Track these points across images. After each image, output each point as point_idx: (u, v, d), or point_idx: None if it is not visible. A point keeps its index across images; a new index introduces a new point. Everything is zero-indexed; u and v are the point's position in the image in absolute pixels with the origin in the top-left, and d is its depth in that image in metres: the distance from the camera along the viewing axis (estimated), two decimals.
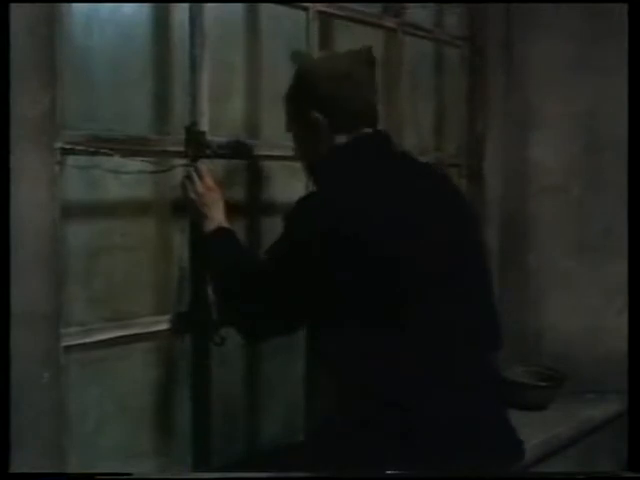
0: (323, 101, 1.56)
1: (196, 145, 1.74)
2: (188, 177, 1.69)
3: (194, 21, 1.74)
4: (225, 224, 1.66)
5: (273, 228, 2.00)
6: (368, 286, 1.41)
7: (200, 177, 1.68)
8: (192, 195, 1.67)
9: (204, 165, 1.72)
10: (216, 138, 1.78)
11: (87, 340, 1.61)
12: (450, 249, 1.51)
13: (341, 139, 1.56)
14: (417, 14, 2.46)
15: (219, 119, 1.84)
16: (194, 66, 1.74)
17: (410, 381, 1.41)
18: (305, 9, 2.00)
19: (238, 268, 1.59)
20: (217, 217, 1.66)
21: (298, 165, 1.91)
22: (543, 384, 2.49)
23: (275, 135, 1.99)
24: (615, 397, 2.47)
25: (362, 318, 1.42)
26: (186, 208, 1.71)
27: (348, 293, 1.42)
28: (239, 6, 1.96)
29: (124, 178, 1.66)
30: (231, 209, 1.75)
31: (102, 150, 1.57)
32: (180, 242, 1.79)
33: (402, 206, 1.48)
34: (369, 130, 1.59)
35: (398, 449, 1.40)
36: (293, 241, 1.48)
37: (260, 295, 1.51)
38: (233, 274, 1.58)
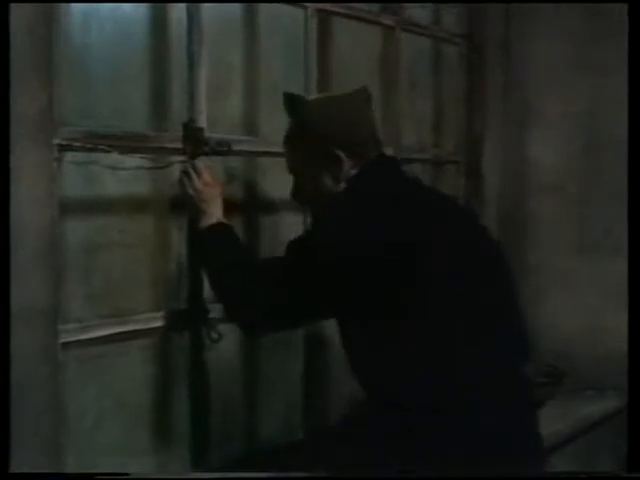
0: (342, 139, 1.59)
1: (194, 142, 1.74)
2: (186, 173, 1.70)
3: (192, 18, 1.76)
4: (223, 220, 1.68)
5: (270, 225, 2.03)
6: (394, 310, 1.44)
7: (198, 173, 1.69)
8: (190, 191, 1.68)
9: (202, 162, 1.73)
10: (214, 135, 1.78)
11: (85, 337, 1.62)
12: (476, 265, 1.54)
13: (353, 171, 1.60)
14: (415, 12, 2.47)
15: (217, 116, 1.85)
16: (192, 63, 1.76)
17: (443, 387, 1.43)
18: (304, 7, 2.01)
19: (236, 263, 1.60)
20: (215, 213, 1.67)
21: None
22: (542, 380, 2.50)
23: (273, 132, 2.01)
24: (614, 394, 2.49)
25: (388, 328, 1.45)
26: (184, 204, 1.72)
27: (375, 317, 1.45)
28: (237, 4, 1.97)
29: (122, 175, 1.67)
30: (229, 206, 1.76)
31: (100, 146, 1.58)
32: (178, 239, 1.81)
33: (428, 229, 1.52)
34: (377, 155, 1.63)
35: (429, 455, 1.42)
36: (318, 263, 1.49)
37: (260, 291, 1.53)
38: (231, 269, 1.60)
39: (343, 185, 1.59)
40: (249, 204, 2.03)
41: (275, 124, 2.02)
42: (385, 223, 1.48)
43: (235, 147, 1.83)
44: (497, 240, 1.66)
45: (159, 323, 1.76)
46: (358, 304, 1.47)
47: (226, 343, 1.87)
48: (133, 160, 1.67)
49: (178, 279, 1.81)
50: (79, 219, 1.64)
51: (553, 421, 2.31)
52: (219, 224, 1.66)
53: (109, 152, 1.60)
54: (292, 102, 1.66)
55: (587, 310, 2.65)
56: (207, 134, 1.77)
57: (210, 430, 1.87)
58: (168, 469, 1.85)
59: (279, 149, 1.91)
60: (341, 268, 1.46)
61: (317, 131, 1.60)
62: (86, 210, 1.66)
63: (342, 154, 1.58)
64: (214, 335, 1.79)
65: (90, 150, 1.57)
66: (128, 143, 1.65)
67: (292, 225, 2.07)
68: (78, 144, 1.54)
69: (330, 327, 2.14)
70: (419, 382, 1.43)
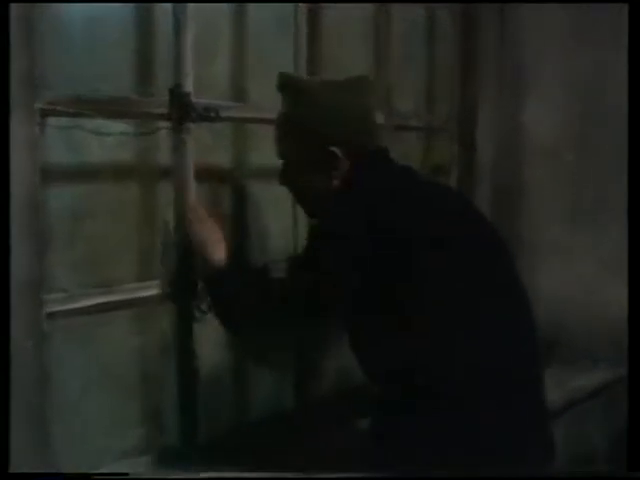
0: (339, 135, 1.57)
1: (180, 107, 1.73)
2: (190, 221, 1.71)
3: None
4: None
5: (261, 193, 2.02)
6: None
7: (200, 219, 1.70)
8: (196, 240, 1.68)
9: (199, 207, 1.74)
10: (201, 101, 1.77)
11: (71, 307, 1.61)
12: (475, 255, 1.53)
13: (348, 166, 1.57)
14: None
15: (204, 82, 1.83)
16: (177, 27, 1.73)
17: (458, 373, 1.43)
18: None
19: (255, 298, 1.57)
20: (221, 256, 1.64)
21: None
22: None
23: (263, 98, 2.00)
24: (608, 365, 2.50)
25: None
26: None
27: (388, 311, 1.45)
28: None
29: (107, 141, 1.65)
30: (218, 175, 1.76)
31: (84, 111, 1.56)
32: (165, 206, 1.79)
33: (437, 224, 1.52)
34: (371, 150, 1.60)
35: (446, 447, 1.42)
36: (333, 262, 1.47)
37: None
38: (251, 306, 1.57)
39: (337, 183, 1.57)
40: (238, 172, 2.02)
41: (265, 89, 2.01)
42: (384, 224, 1.46)
43: (223, 113, 1.81)
44: (494, 227, 1.65)
45: (146, 293, 1.76)
46: (363, 303, 1.46)
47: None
48: (118, 125, 1.65)
49: (165, 248, 1.80)
50: (63, 186, 1.62)
51: (546, 391, 2.32)
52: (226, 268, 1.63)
53: (93, 117, 1.58)
54: (287, 86, 1.64)
55: (582, 280, 2.66)
56: (194, 99, 1.75)
57: (199, 402, 1.87)
58: (155, 441, 1.86)
59: (269, 115, 1.90)
60: (344, 275, 1.45)
61: (313, 125, 1.57)
62: (70, 177, 1.65)
63: (338, 152, 1.56)
64: (203, 306, 1.79)
65: (73, 115, 1.55)
66: (113, 108, 1.63)
67: (283, 194, 2.07)
68: (61, 109, 1.52)
69: None
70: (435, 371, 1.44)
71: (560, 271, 2.70)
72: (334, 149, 1.55)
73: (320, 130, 1.56)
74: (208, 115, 1.78)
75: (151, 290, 1.77)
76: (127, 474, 1.57)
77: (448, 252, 1.48)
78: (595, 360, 2.62)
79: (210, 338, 1.93)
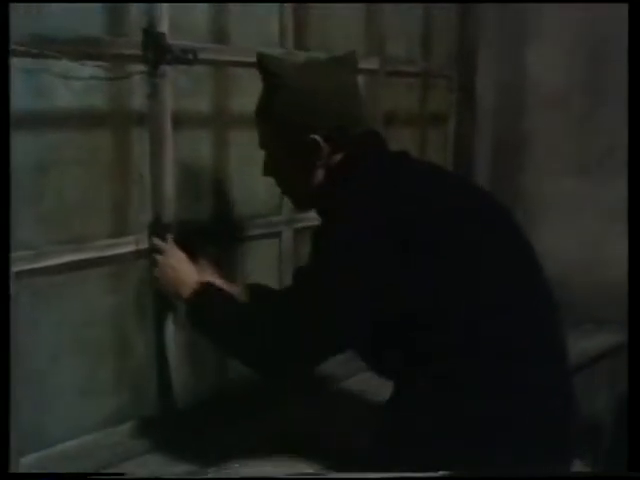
0: (322, 122, 1.52)
1: (156, 49, 1.70)
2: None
3: None
4: (200, 280, 1.63)
5: (242, 141, 2.00)
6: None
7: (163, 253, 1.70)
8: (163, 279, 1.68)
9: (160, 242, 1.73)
10: (178, 42, 1.74)
11: (39, 265, 1.60)
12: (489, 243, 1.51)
13: (337, 157, 1.54)
14: None
15: (181, 22, 1.79)
16: None
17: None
18: None
19: (241, 316, 1.55)
20: (190, 280, 1.63)
21: None
22: None
23: (245, 39, 1.97)
24: (613, 327, 2.50)
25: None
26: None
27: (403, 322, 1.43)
28: None
29: (75, 85, 1.62)
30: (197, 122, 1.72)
31: (49, 52, 1.52)
32: (139, 156, 1.77)
33: (449, 221, 1.48)
34: (360, 135, 1.56)
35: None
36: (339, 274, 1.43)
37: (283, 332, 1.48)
38: (237, 324, 1.53)
39: (321, 173, 1.54)
40: (219, 119, 1.99)
41: (247, 29, 1.99)
42: (387, 225, 1.42)
43: (202, 55, 1.78)
44: (505, 207, 1.62)
45: (120, 250, 1.74)
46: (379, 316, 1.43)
47: None
48: (87, 69, 1.62)
49: (140, 201, 1.78)
50: (29, 134, 1.59)
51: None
52: (200, 289, 1.61)
53: (59, 59, 1.54)
54: (265, 67, 1.58)
55: (587, 237, 2.65)
56: (170, 40, 1.72)
57: (177, 367, 1.87)
58: (130, 412, 1.85)
59: (253, 57, 1.87)
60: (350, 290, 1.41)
61: (292, 112, 1.53)
62: (36, 124, 1.61)
63: (319, 139, 1.52)
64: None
65: (38, 56, 1.51)
66: (82, 49, 1.60)
67: None
68: (23, 49, 1.48)
69: None
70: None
71: (563, 228, 2.69)
72: (315, 136, 1.52)
73: (301, 116, 1.52)
74: (186, 57, 1.75)
75: (126, 247, 1.75)
76: (123, 474, 1.59)
77: (472, 252, 1.46)
78: (600, 323, 2.62)
79: None
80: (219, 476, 1.64)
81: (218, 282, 1.69)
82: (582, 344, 2.54)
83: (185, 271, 1.66)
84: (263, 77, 1.60)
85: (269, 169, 1.65)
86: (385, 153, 1.60)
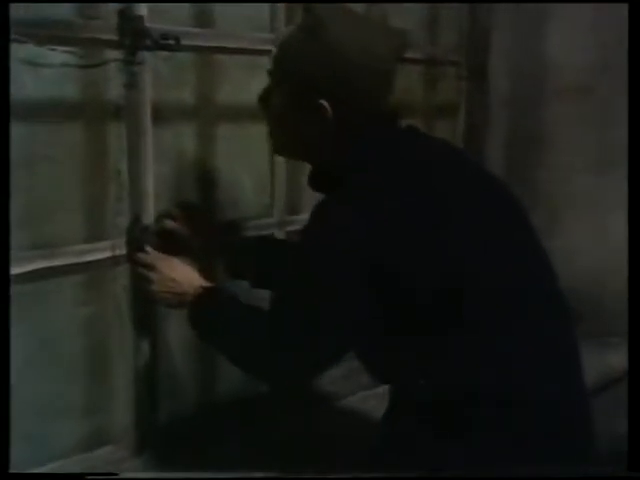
0: (335, 82, 1.51)
1: (133, 33, 1.71)
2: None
3: None
4: (200, 285, 1.65)
5: (229, 135, 2.01)
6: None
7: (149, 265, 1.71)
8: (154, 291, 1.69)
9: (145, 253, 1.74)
10: (158, 26, 1.75)
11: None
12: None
13: (345, 130, 1.54)
14: None
15: (160, 4, 1.81)
16: None
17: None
18: None
19: (246, 322, 1.57)
20: (189, 287, 1.64)
21: (258, 60, 1.91)
22: None
23: (231, 23, 1.98)
24: None
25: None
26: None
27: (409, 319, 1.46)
28: None
29: (44, 73, 1.63)
30: (179, 114, 1.73)
31: (15, 36, 1.52)
32: (116, 150, 1.78)
33: (471, 223, 1.50)
34: (393, 127, 1.60)
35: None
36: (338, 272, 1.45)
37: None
38: (243, 332, 1.56)
39: (328, 144, 1.56)
40: (203, 111, 2.01)
41: (234, 12, 2.00)
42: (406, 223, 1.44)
43: (185, 41, 1.79)
44: (521, 205, 1.64)
45: (96, 255, 1.75)
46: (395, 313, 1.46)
47: None
48: (57, 55, 1.63)
49: (117, 200, 1.79)
50: None
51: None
52: (205, 293, 1.63)
53: (24, 42, 1.55)
54: (311, 8, 1.57)
55: (610, 239, 2.66)
56: (149, 24, 1.73)
57: (158, 383, 1.88)
58: (106, 432, 1.86)
59: (239, 44, 1.89)
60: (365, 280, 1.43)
61: (313, 70, 1.52)
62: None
63: (327, 105, 1.52)
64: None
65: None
66: (51, 33, 1.60)
67: (258, 137, 2.06)
68: None
69: None
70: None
71: (584, 230, 2.70)
72: (323, 102, 1.52)
73: (320, 77, 1.52)
74: (166, 43, 1.76)
75: (102, 252, 1.76)
76: (117, 474, 1.59)
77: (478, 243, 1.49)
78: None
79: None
80: (219, 476, 1.65)
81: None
82: (608, 359, 2.55)
83: (186, 278, 1.68)
84: (305, 15, 1.59)
85: (277, 141, 1.66)
86: (395, 129, 1.62)
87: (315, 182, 1.65)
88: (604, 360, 2.54)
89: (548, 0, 2.65)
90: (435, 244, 1.44)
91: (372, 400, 2.14)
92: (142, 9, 1.72)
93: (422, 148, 1.61)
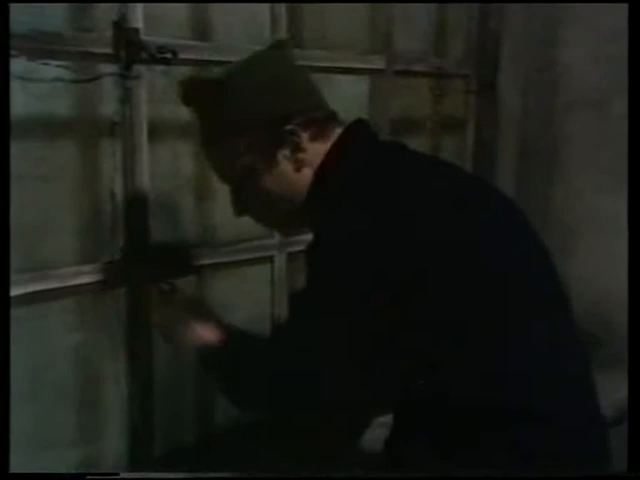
0: (288, 108, 1.53)
1: (128, 46, 1.73)
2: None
3: None
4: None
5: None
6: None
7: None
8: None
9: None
10: (154, 39, 1.77)
11: None
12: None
13: (320, 148, 1.54)
14: None
15: (157, 15, 1.82)
16: None
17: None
18: None
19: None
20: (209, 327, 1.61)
21: None
22: None
23: (231, 35, 2.00)
24: None
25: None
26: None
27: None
28: None
29: (36, 88, 1.64)
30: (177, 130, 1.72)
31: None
32: (111, 170, 1.79)
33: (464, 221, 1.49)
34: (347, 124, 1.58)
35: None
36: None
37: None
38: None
39: (307, 173, 1.54)
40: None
41: (234, 23, 2.01)
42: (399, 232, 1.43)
43: (182, 54, 1.81)
44: (519, 211, 1.64)
45: (87, 279, 1.76)
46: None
47: None
48: (49, 69, 1.64)
49: (112, 221, 1.80)
50: None
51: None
52: (222, 332, 1.60)
53: (16, 57, 1.56)
54: (194, 93, 1.59)
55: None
56: (145, 37, 1.75)
57: (153, 413, 1.88)
58: (98, 462, 1.86)
59: (237, 57, 1.89)
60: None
61: (254, 109, 1.52)
62: None
63: (296, 127, 1.52)
64: (165, 286, 1.80)
65: None
66: (42, 46, 1.62)
67: None
68: None
69: None
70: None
71: (601, 252, 2.70)
72: (290, 127, 1.51)
73: (266, 109, 1.52)
74: (163, 56, 1.78)
75: (94, 275, 1.77)
76: (118, 474, 1.58)
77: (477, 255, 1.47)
78: None
79: None
80: (219, 476, 1.65)
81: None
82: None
83: (202, 319, 1.64)
84: (197, 106, 1.61)
85: (243, 199, 1.63)
86: (377, 144, 1.61)
87: (292, 222, 1.65)
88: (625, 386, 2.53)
89: (545, 0, 2.65)
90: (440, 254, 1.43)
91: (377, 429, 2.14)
92: (138, 21, 1.74)
93: (409, 163, 1.59)
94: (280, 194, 1.57)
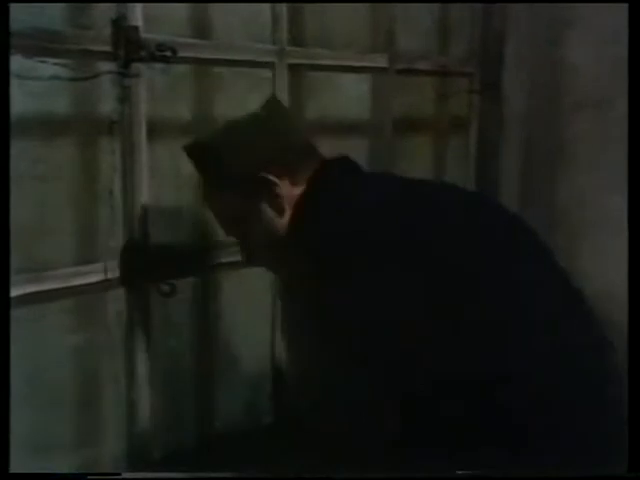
0: (265, 162, 1.61)
1: (127, 44, 1.72)
2: None
3: None
4: None
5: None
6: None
7: None
8: None
9: None
10: (154, 36, 1.76)
11: None
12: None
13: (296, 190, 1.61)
14: None
15: (157, 12, 1.82)
16: None
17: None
18: None
19: None
20: None
21: (258, 72, 1.92)
22: None
23: (231, 33, 1.99)
24: None
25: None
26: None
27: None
28: None
29: (33, 86, 1.64)
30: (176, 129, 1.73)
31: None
32: (109, 169, 1.79)
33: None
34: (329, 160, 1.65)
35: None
36: None
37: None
38: None
39: (285, 219, 1.61)
40: (201, 126, 2.01)
41: (234, 22, 2.01)
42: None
43: (182, 52, 1.80)
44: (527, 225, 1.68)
45: (86, 279, 1.75)
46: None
47: (174, 302, 1.89)
48: (47, 67, 1.64)
49: (110, 221, 1.80)
50: None
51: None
52: None
53: (13, 54, 1.54)
54: (193, 153, 1.68)
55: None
56: (144, 35, 1.74)
57: (153, 416, 1.88)
58: (96, 465, 1.86)
59: (239, 56, 1.90)
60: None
61: (231, 158, 1.62)
62: None
63: (269, 175, 1.59)
64: (165, 288, 1.80)
65: None
66: (40, 44, 1.61)
67: None
68: None
69: None
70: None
71: (611, 256, 2.69)
72: (264, 174, 1.59)
73: (245, 162, 1.62)
74: (162, 55, 1.77)
75: (93, 275, 1.76)
76: (119, 474, 1.61)
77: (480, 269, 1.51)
78: None
79: (169, 333, 1.94)
80: (219, 476, 1.65)
81: None
82: None
83: None
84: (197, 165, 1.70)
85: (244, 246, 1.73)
86: (352, 178, 1.66)
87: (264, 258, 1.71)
88: None
89: (547, 0, 2.65)
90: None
91: None
92: (137, 19, 1.74)
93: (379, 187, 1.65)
94: (270, 237, 1.65)
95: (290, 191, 1.61)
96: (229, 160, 1.63)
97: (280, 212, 1.61)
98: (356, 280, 1.45)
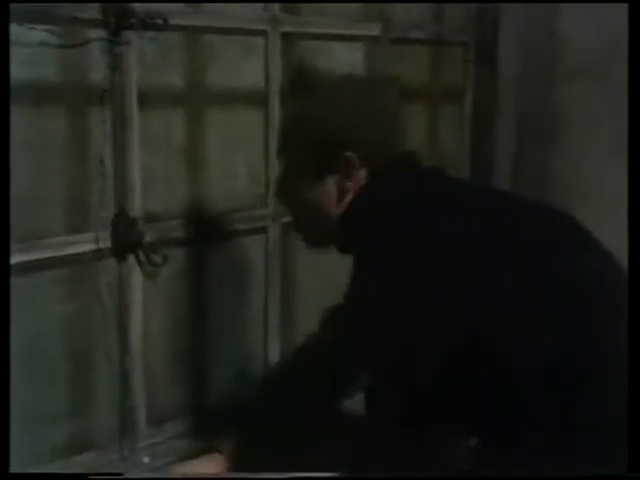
0: (356, 138, 1.60)
1: (118, 12, 1.72)
2: None
3: None
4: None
5: (220, 120, 2.01)
6: None
7: None
8: None
9: None
10: (143, 4, 1.75)
11: None
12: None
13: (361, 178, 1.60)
14: None
15: None
16: None
17: None
18: None
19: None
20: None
21: (252, 40, 1.92)
22: None
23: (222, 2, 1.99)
24: None
25: None
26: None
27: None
28: None
29: (21, 53, 1.62)
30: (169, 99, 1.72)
31: None
32: (100, 138, 1.78)
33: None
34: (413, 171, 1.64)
35: None
36: None
37: None
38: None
39: (349, 197, 1.60)
40: (193, 96, 2.01)
41: None
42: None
43: (173, 20, 1.80)
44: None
45: (78, 249, 1.76)
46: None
47: (165, 273, 1.90)
48: (35, 33, 1.63)
49: (101, 191, 1.80)
50: None
51: None
52: None
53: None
54: (299, 81, 1.70)
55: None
56: (135, 2, 1.74)
57: (144, 387, 1.89)
58: (87, 440, 1.87)
59: (231, 24, 1.89)
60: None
61: (328, 127, 1.60)
62: None
63: (354, 156, 1.59)
64: (156, 259, 1.80)
65: None
66: (28, 9, 1.60)
67: (251, 123, 2.07)
68: None
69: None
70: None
71: (607, 226, 2.69)
72: (349, 153, 1.58)
73: (335, 132, 1.60)
74: (153, 22, 1.77)
75: (85, 245, 1.77)
76: (121, 474, 1.66)
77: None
78: None
79: (161, 303, 1.95)
80: (221, 476, 1.66)
81: None
82: None
83: None
84: (295, 92, 1.72)
85: (284, 191, 1.72)
86: (415, 173, 1.65)
87: (320, 239, 1.70)
88: None
89: (545, 0, 2.66)
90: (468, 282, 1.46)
91: None
92: None
93: (445, 190, 1.63)
94: (320, 215, 1.64)
95: (358, 177, 1.60)
96: (320, 115, 1.61)
97: (342, 195, 1.60)
98: (397, 282, 1.45)
